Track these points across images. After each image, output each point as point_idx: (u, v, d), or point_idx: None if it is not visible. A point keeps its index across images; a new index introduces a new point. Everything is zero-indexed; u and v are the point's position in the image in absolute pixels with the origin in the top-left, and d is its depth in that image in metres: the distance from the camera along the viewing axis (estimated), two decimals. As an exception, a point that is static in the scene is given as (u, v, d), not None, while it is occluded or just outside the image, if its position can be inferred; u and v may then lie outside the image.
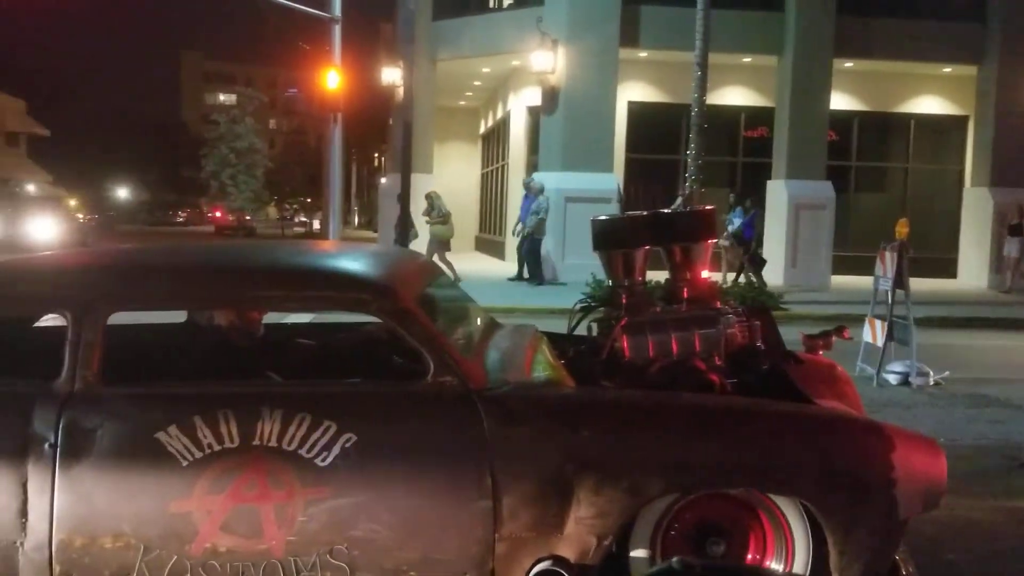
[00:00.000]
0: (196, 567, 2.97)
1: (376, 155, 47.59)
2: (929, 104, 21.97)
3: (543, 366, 3.53)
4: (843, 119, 21.06)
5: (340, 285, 3.33)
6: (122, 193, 73.82)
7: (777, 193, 19.58)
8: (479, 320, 4.04)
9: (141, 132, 73.47)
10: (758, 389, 3.71)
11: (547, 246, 18.14)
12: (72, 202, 33.22)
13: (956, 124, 21.99)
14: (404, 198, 17.65)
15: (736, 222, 16.48)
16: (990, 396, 8.07)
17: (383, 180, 29.64)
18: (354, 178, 45.38)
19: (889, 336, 8.78)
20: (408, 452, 3.04)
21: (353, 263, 3.60)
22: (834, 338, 4.29)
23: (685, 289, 4.11)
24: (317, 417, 3.01)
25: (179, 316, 4.12)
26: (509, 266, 20.28)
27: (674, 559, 2.56)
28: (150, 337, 4.07)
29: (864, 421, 3.45)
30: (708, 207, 4.16)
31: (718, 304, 4.07)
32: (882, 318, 8.97)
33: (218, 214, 45.24)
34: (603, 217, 4.22)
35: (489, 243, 27.17)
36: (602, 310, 4.28)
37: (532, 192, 17.72)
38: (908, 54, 19.80)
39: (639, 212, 4.36)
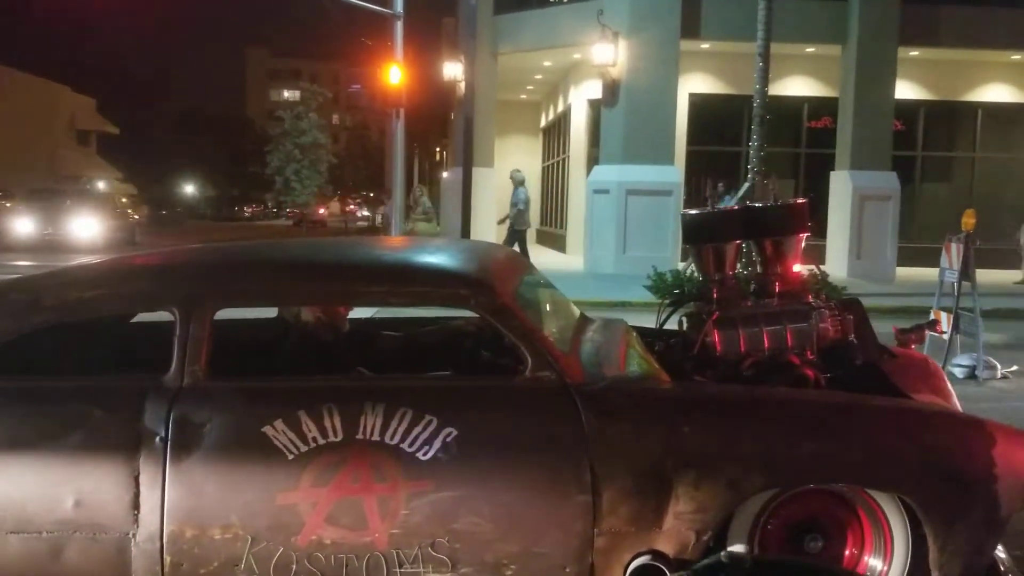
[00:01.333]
0: (302, 559, 3.01)
1: (438, 149, 47.88)
2: (998, 92, 21.48)
3: (637, 361, 3.53)
4: (909, 108, 20.67)
5: (440, 280, 3.36)
6: (189, 189, 74.89)
7: (841, 184, 19.29)
8: (570, 314, 4.04)
9: (208, 129, 74.53)
10: (852, 384, 3.66)
11: (606, 238, 18.09)
12: (123, 199, 32.57)
13: (1026, 112, 21.50)
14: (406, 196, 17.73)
15: None
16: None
17: (445, 174, 29.80)
18: (416, 172, 45.70)
19: (955, 329, 8.64)
20: (507, 447, 3.06)
21: (450, 258, 3.63)
22: (927, 332, 4.23)
23: (776, 283, 4.08)
24: (418, 412, 3.04)
25: (265, 312, 4.17)
26: (569, 259, 20.27)
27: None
28: (242, 333, 4.14)
29: (965, 416, 3.41)
30: (801, 200, 4.10)
31: (810, 298, 4.04)
32: (948, 311, 8.82)
33: (296, 210, 47.41)
34: (694, 211, 4.21)
35: (550, 236, 27.21)
36: (692, 305, 4.27)
37: (514, 184, 17.60)
38: (976, 41, 19.36)
39: (731, 206, 4.33)
